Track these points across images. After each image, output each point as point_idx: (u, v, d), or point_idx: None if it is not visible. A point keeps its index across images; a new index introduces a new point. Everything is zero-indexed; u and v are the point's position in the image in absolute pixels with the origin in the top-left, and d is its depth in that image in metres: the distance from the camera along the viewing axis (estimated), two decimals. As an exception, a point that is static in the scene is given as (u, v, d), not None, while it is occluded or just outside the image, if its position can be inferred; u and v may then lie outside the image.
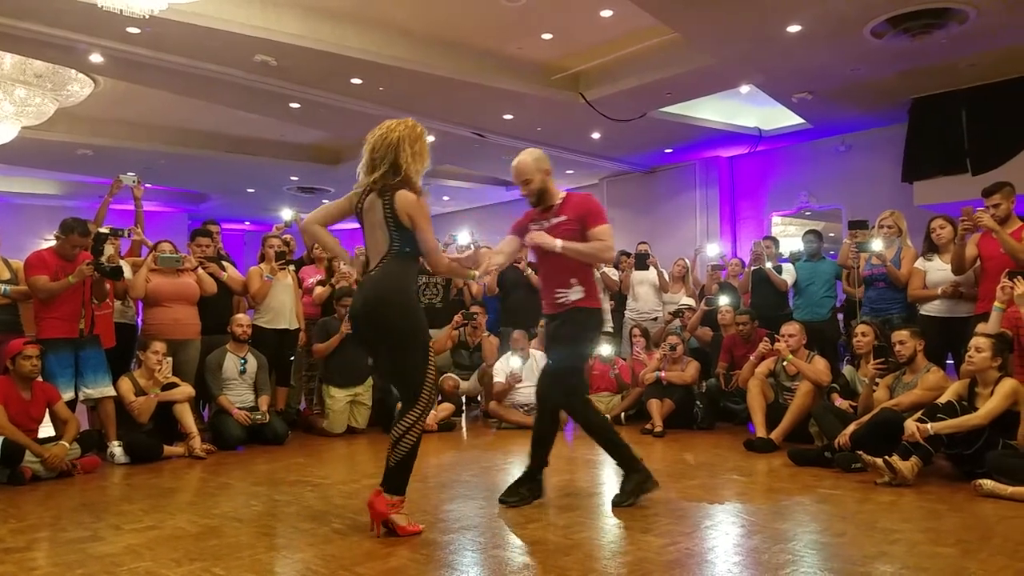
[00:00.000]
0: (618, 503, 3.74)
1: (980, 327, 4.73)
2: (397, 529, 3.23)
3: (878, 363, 4.93)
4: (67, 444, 4.67)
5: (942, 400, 4.31)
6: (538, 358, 6.79)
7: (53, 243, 5.21)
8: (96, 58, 7.20)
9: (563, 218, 3.78)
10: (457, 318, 6.97)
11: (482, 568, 2.90)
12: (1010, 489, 3.79)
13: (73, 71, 8.13)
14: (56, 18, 6.37)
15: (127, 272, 5.65)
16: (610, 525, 3.52)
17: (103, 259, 5.05)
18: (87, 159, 11.09)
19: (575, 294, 3.73)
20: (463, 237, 7.57)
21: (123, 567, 2.89)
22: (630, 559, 2.95)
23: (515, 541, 3.24)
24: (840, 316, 7.06)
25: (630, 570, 2.81)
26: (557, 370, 3.84)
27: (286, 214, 7.56)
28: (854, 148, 9.93)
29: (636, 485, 3.79)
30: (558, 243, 3.67)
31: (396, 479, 3.27)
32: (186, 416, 5.34)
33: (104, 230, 5.25)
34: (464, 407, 7.39)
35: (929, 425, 4.12)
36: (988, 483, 3.87)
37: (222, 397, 5.77)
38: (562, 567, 2.85)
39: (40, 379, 4.79)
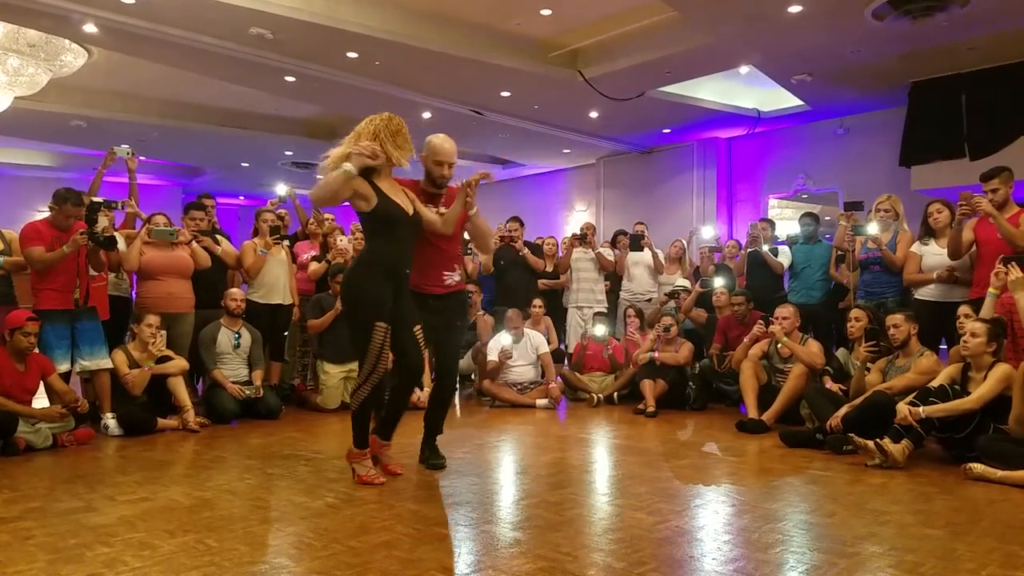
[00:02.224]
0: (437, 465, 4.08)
1: (963, 309, 4.76)
2: None
3: (869, 346, 4.95)
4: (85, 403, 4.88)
5: (935, 384, 4.33)
6: (532, 337, 6.80)
7: (47, 214, 5.18)
8: (90, 28, 7.10)
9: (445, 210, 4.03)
10: None
11: (474, 543, 2.91)
12: (1000, 473, 3.82)
13: (67, 41, 8.03)
14: (50, -14, 6.29)
15: (121, 244, 5.62)
16: (601, 503, 3.55)
17: (97, 229, 5.02)
18: (80, 130, 10.99)
19: (457, 276, 4.09)
20: (280, 189, 7.53)
21: (117, 537, 2.90)
22: (621, 536, 2.97)
23: (507, 517, 3.26)
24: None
25: (620, 547, 2.83)
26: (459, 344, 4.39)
27: (281, 189, 7.49)
28: (852, 131, 9.88)
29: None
30: (475, 208, 3.94)
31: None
32: (180, 389, 5.34)
33: (98, 200, 5.22)
34: (458, 385, 7.40)
35: (921, 408, 4.14)
36: (978, 467, 3.90)
37: (216, 371, 5.77)
38: (553, 543, 2.86)
39: (36, 351, 4.78)
